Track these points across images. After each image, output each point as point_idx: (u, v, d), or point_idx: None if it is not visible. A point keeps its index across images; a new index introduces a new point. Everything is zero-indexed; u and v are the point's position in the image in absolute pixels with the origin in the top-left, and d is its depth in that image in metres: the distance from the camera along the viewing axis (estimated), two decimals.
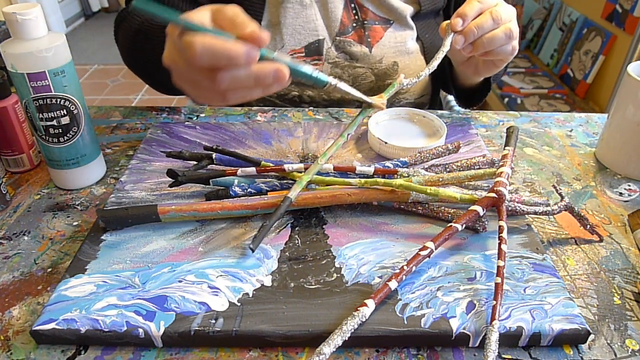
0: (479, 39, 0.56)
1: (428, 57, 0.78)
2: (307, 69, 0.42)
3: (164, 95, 0.73)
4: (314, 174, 0.50)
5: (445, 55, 0.71)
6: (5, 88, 0.55)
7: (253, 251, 0.45)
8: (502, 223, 0.44)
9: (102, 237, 0.47)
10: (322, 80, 0.44)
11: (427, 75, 0.56)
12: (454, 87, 0.79)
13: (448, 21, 0.57)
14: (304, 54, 0.74)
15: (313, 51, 0.74)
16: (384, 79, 0.76)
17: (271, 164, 0.53)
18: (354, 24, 0.74)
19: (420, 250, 0.42)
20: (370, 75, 0.76)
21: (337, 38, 0.74)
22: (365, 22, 0.74)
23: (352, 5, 0.73)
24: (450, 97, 0.98)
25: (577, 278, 0.46)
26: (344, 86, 0.46)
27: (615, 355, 0.39)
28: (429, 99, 0.84)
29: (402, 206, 0.51)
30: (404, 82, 0.55)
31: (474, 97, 0.76)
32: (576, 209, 0.49)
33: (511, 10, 0.57)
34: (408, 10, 0.74)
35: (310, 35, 0.73)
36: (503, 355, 0.39)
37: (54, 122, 0.51)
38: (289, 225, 0.49)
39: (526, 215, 0.51)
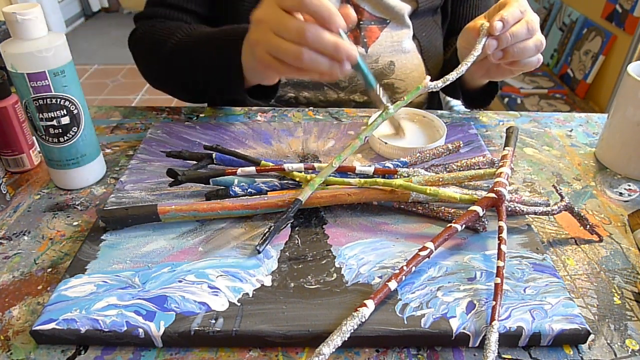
0: (510, 47, 0.55)
1: (425, 56, 0.78)
2: (367, 67, 0.51)
3: (163, 95, 0.73)
4: (327, 177, 0.50)
5: (455, 55, 0.70)
6: (5, 88, 0.55)
7: (259, 252, 0.45)
8: (502, 223, 0.44)
9: (102, 237, 0.47)
10: (371, 83, 0.51)
11: (454, 80, 0.55)
12: (460, 86, 0.78)
13: (482, 21, 0.56)
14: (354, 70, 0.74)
15: None
16: (380, 79, 0.76)
17: (271, 164, 0.53)
18: (350, 25, 0.73)
19: (420, 250, 0.42)
20: None
21: None
22: (361, 22, 0.73)
23: (348, 6, 0.73)
24: (450, 97, 0.98)
25: (577, 278, 0.46)
26: (384, 97, 0.52)
27: (615, 355, 0.39)
28: (427, 98, 0.84)
29: (402, 206, 0.51)
30: (429, 85, 0.54)
31: (480, 98, 0.75)
32: (576, 209, 0.49)
33: (537, 19, 0.56)
34: (406, 8, 0.74)
35: None
36: (503, 355, 0.39)
37: (54, 122, 0.51)
38: (289, 225, 0.49)
39: (526, 215, 0.51)
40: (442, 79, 0.54)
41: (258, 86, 0.63)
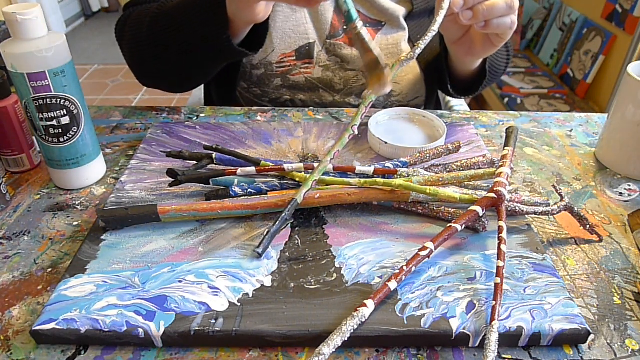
0: (479, 4, 0.53)
1: (421, 59, 0.77)
2: None
3: (164, 95, 0.73)
4: (322, 174, 0.50)
5: (441, 43, 0.69)
6: (5, 88, 0.55)
7: (260, 256, 0.45)
8: (502, 223, 0.44)
9: (102, 237, 0.47)
10: (351, 16, 0.44)
11: (426, 44, 0.53)
12: (449, 75, 0.76)
13: None
14: (294, 58, 0.73)
15: (304, 55, 0.73)
16: None
17: (271, 164, 0.53)
18: (345, 27, 0.73)
19: (420, 250, 0.42)
20: (362, 78, 0.75)
21: (328, 41, 0.73)
22: None
23: None
24: (450, 97, 0.98)
25: (577, 278, 0.46)
26: (365, 33, 0.45)
27: (615, 355, 0.39)
28: (424, 101, 0.83)
29: (402, 206, 0.51)
30: (404, 59, 0.53)
31: (469, 86, 0.74)
32: (576, 209, 0.49)
33: None
34: (400, 11, 0.73)
35: (301, 38, 0.72)
36: (503, 355, 0.39)
37: (54, 122, 0.51)
38: (289, 225, 0.49)
39: (526, 215, 0.51)
40: (414, 47, 0.54)
41: (247, 39, 0.62)
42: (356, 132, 0.53)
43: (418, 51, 0.53)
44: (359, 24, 0.44)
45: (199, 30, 0.59)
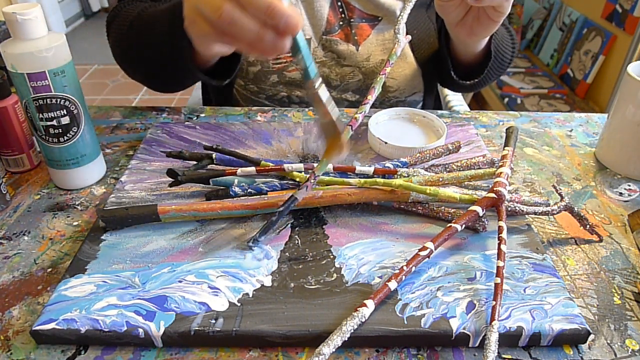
0: None
1: (417, 54, 0.77)
2: (309, 52, 0.39)
3: (164, 95, 0.73)
4: (322, 172, 0.49)
5: (440, 33, 0.68)
6: (5, 88, 0.55)
7: (251, 248, 0.45)
8: (502, 223, 0.44)
9: (102, 237, 0.47)
10: (309, 73, 0.39)
11: (410, 9, 0.52)
12: (452, 63, 0.74)
13: None
14: (290, 54, 0.73)
15: None
16: (371, 77, 0.76)
17: (271, 164, 0.53)
18: (341, 23, 0.73)
19: (420, 250, 0.42)
20: (358, 74, 0.75)
21: (324, 37, 0.73)
22: (352, 20, 0.73)
23: (339, 3, 0.73)
24: (450, 98, 0.98)
25: (577, 278, 0.46)
26: (323, 93, 0.40)
27: (615, 355, 0.39)
28: (422, 97, 0.83)
29: (402, 206, 0.51)
30: (401, 42, 0.51)
31: (476, 69, 0.72)
32: (576, 209, 0.49)
33: None
34: (397, 5, 0.73)
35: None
36: (503, 355, 0.39)
37: (54, 122, 0.51)
38: (289, 225, 0.49)
39: (526, 215, 0.51)
40: (395, 26, 0.52)
41: (220, 64, 0.61)
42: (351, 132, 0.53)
43: (401, 27, 0.52)
44: (317, 82, 0.40)
45: (167, 46, 0.59)
